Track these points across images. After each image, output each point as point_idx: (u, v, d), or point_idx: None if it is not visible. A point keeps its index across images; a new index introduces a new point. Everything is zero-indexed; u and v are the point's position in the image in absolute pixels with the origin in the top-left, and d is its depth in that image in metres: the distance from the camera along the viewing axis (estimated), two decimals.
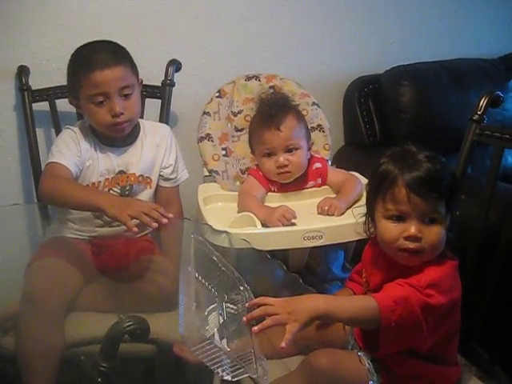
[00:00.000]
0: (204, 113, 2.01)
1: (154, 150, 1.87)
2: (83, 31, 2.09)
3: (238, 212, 1.67)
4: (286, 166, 1.73)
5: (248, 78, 2.06)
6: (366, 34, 2.76)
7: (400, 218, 1.26)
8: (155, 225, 1.47)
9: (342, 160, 2.54)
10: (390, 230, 1.26)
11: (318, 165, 1.84)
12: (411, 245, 1.24)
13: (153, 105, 2.14)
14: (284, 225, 1.54)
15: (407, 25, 2.85)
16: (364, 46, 2.76)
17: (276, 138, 1.72)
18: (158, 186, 1.90)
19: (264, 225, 1.56)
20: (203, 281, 1.26)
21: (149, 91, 2.12)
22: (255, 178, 1.80)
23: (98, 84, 1.66)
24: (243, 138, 1.99)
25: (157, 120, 2.10)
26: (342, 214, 1.64)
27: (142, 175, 1.84)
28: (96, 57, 1.69)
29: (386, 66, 2.67)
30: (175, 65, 2.14)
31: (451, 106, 2.58)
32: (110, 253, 1.78)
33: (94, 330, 1.48)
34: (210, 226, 1.51)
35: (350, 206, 1.68)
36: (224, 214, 1.66)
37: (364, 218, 1.38)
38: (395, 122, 2.60)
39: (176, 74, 2.16)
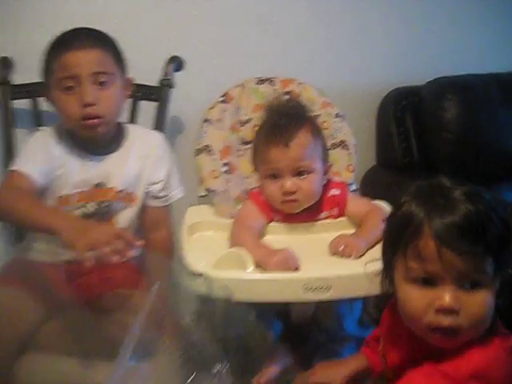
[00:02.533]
0: (205, 120, 1.69)
1: (142, 162, 1.60)
2: (76, 23, 1.78)
3: (230, 246, 1.33)
4: (293, 192, 1.39)
5: (260, 81, 1.74)
6: (407, 39, 2.44)
7: (428, 281, 0.92)
8: (116, 259, 1.16)
9: (373, 182, 2.32)
10: (414, 298, 0.92)
11: (335, 191, 1.49)
12: (445, 320, 0.89)
13: (148, 108, 1.82)
14: (282, 271, 1.19)
15: (455, 32, 2.52)
16: (403, 53, 2.44)
17: (283, 156, 1.38)
18: (144, 204, 1.62)
19: (258, 267, 1.21)
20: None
21: (144, 92, 1.82)
22: (255, 204, 1.46)
23: (69, 65, 1.43)
24: (250, 152, 1.65)
25: (151, 127, 1.79)
26: (361, 256, 1.28)
27: (124, 190, 1.57)
28: (72, 38, 1.47)
29: (428, 78, 2.36)
30: (176, 63, 1.83)
31: (503, 126, 2.28)
32: (83, 281, 1.51)
33: (48, 376, 1.33)
34: (186, 266, 1.17)
35: (373, 246, 1.33)
36: (211, 248, 1.33)
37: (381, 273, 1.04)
38: (437, 141, 2.27)
39: (177, 74, 1.85)
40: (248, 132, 1.70)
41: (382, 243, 1.07)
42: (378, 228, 1.37)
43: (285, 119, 1.40)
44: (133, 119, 1.82)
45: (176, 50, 1.89)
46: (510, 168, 2.22)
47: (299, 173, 1.39)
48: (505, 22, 2.57)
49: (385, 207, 1.47)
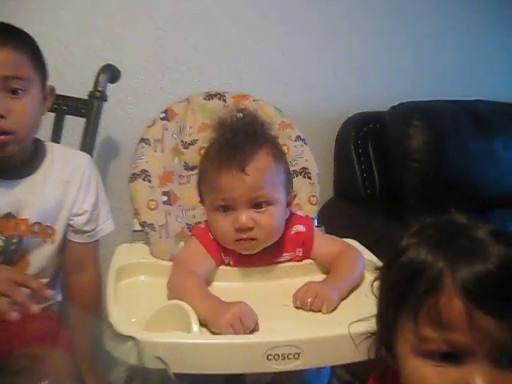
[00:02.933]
0: (142, 140, 1.41)
1: (63, 188, 1.33)
2: None
3: (169, 298, 1.04)
4: (249, 229, 1.12)
5: (208, 96, 1.49)
6: (370, 62, 2.31)
7: (451, 356, 0.65)
8: (14, 316, 0.94)
9: (330, 217, 2.05)
10: (431, 380, 0.65)
11: (299, 228, 1.23)
12: None
13: (76, 126, 1.54)
14: (237, 333, 0.91)
15: (421, 57, 2.41)
16: (365, 77, 2.31)
17: (238, 183, 1.11)
18: (66, 240, 1.36)
19: (204, 327, 0.93)
20: None
21: (70, 106, 1.52)
22: (201, 243, 1.18)
23: None
24: (196, 179, 1.38)
25: (78, 147, 1.50)
26: (333, 310, 1.02)
27: (39, 223, 1.30)
28: None
29: (391, 103, 2.18)
30: (109, 72, 1.55)
31: (473, 155, 2.13)
32: None
33: None
34: (109, 325, 0.88)
35: (346, 297, 1.07)
36: (144, 299, 1.04)
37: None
38: (401, 171, 2.11)
39: (111, 87, 1.56)
40: (193, 155, 1.43)
41: (378, 299, 0.81)
42: (352, 273, 1.13)
43: (240, 137, 1.13)
44: (56, 138, 1.53)
45: (110, 59, 1.62)
46: (481, 201, 2.04)
47: (257, 204, 1.12)
48: (470, 49, 2.47)
49: (356, 245, 1.22)
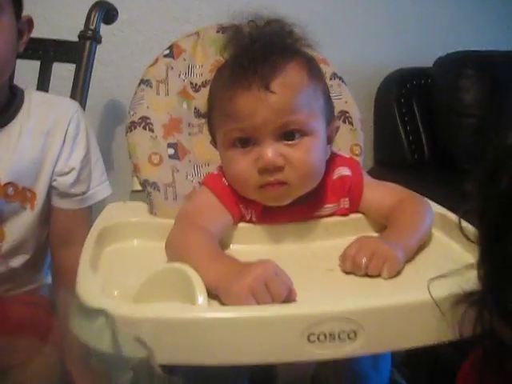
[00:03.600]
0: (141, 82, 1.15)
1: (42, 141, 1.09)
2: None
3: (168, 261, 0.76)
4: (278, 168, 0.82)
5: (223, 29, 1.21)
6: (409, 14, 2.03)
7: None
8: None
9: None
10: None
11: (344, 171, 0.92)
12: None
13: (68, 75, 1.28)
14: (262, 304, 0.62)
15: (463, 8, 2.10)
16: (405, 30, 2.03)
17: (261, 105, 0.81)
18: (51, 206, 1.12)
19: (214, 299, 0.65)
20: None
21: (58, 51, 1.27)
22: (214, 193, 0.89)
23: None
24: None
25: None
26: (397, 274, 0.73)
27: (14, 184, 1.06)
28: None
29: (434, 58, 1.87)
30: (103, 10, 1.28)
31: None
32: None
33: None
34: (78, 298, 0.61)
35: (411, 258, 0.78)
36: (134, 269, 0.75)
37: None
38: (454, 129, 1.81)
39: (107, 28, 1.30)
40: (205, 99, 1.15)
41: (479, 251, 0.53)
42: (419, 225, 0.84)
43: (262, 44, 0.83)
44: (42, 88, 1.27)
45: None
46: None
47: (287, 134, 0.82)
48: None
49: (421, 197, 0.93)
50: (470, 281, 0.57)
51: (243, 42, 0.85)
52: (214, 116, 0.91)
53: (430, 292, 0.60)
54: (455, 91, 1.78)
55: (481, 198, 0.54)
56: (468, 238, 0.64)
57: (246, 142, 0.83)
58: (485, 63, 1.80)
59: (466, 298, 0.56)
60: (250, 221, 0.89)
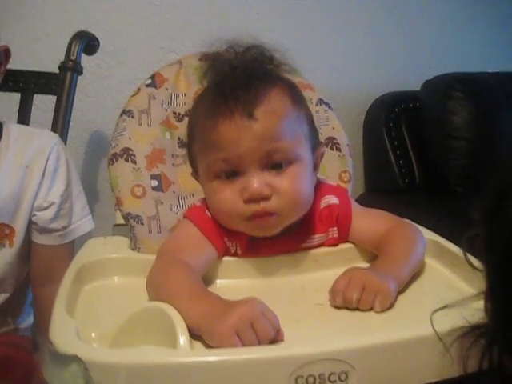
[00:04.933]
0: (123, 112, 1.12)
1: (21, 175, 1.06)
2: None
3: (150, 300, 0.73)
4: (265, 198, 0.78)
5: (205, 57, 1.18)
6: (396, 38, 2.04)
7: None
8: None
9: None
10: None
11: (331, 199, 0.89)
12: None
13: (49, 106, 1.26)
14: (248, 345, 0.59)
15: (449, 29, 2.12)
16: (393, 55, 2.03)
17: (244, 134, 0.78)
18: (31, 242, 1.09)
19: (197, 339, 0.61)
20: None
21: (39, 82, 1.24)
22: (197, 226, 0.85)
23: None
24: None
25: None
26: (390, 307, 0.69)
27: None
28: None
29: (421, 81, 1.86)
30: (85, 40, 1.26)
31: None
32: None
33: None
34: (50, 343, 0.57)
35: (403, 289, 0.75)
36: (114, 308, 0.71)
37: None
38: (444, 152, 1.79)
39: (91, 58, 1.29)
40: None
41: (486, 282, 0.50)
42: (411, 254, 0.81)
43: (243, 71, 0.81)
44: (23, 122, 1.24)
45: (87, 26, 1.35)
46: None
47: (273, 163, 0.79)
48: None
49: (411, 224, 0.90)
50: (475, 312, 0.54)
51: (223, 69, 0.82)
52: (195, 146, 0.87)
53: (433, 326, 0.56)
54: (444, 114, 1.76)
55: (487, 227, 0.51)
56: (473, 267, 0.61)
57: (230, 172, 0.80)
58: (472, 85, 1.80)
59: (471, 332, 0.53)
60: (234, 254, 0.85)
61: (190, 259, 0.78)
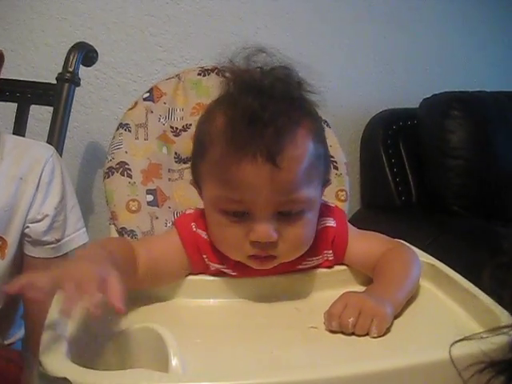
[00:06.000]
0: (120, 125, 1.11)
1: (14, 187, 1.03)
2: None
3: None
4: (272, 243, 0.75)
5: (204, 72, 1.19)
6: (396, 55, 2.03)
7: None
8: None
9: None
10: None
11: (328, 221, 0.87)
12: None
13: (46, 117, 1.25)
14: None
15: (447, 48, 2.11)
16: (391, 71, 2.03)
17: (265, 182, 0.72)
18: (24, 254, 1.06)
19: (190, 361, 0.59)
20: None
21: (36, 93, 1.23)
22: (180, 236, 0.82)
23: None
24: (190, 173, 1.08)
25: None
26: (385, 332, 0.68)
27: None
28: None
29: (420, 99, 1.85)
30: (83, 52, 1.25)
31: None
32: None
33: None
34: (39, 364, 0.56)
35: (401, 311, 0.74)
36: (107, 325, 0.70)
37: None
38: (441, 171, 1.78)
39: (89, 70, 1.28)
40: (186, 144, 1.13)
41: None
42: (407, 278, 0.79)
43: (270, 106, 0.72)
44: (20, 133, 1.24)
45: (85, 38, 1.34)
46: None
47: (285, 213, 0.75)
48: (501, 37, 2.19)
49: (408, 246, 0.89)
50: (495, 347, 0.53)
51: (245, 99, 0.73)
52: (203, 165, 0.79)
53: (451, 358, 0.54)
54: (442, 132, 1.76)
55: None
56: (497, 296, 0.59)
57: (239, 215, 0.75)
58: (471, 104, 1.79)
59: (491, 367, 0.51)
60: (221, 272, 0.83)
61: (158, 255, 0.78)
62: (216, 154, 0.75)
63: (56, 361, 0.56)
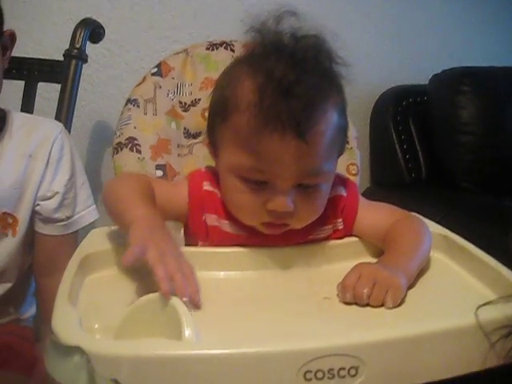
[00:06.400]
0: (128, 101, 1.11)
1: (24, 164, 1.03)
2: None
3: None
4: (288, 213, 0.75)
5: (212, 46, 1.18)
6: (404, 32, 2.00)
7: None
8: None
9: None
10: None
11: (339, 190, 0.86)
12: None
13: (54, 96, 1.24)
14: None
15: (458, 25, 2.08)
16: (402, 47, 2.01)
17: (291, 155, 0.72)
18: (34, 232, 1.06)
19: (203, 331, 0.59)
20: None
21: (43, 70, 1.22)
22: (190, 195, 0.82)
23: None
24: (199, 148, 1.07)
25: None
26: (401, 303, 0.68)
27: None
28: None
29: (430, 75, 1.83)
30: (90, 28, 1.24)
31: None
32: None
33: None
34: (52, 334, 0.56)
35: (414, 281, 0.73)
36: (118, 300, 0.70)
37: None
38: (451, 147, 1.77)
39: (95, 47, 1.27)
40: (195, 119, 1.13)
41: None
42: (419, 248, 0.79)
43: (305, 79, 0.70)
44: (27, 111, 1.23)
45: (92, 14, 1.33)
46: None
47: (305, 184, 0.75)
48: None
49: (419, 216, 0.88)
50: None
51: (275, 66, 0.71)
52: (225, 130, 0.77)
53: (479, 321, 0.54)
54: (452, 108, 1.74)
55: None
56: None
57: (259, 184, 0.75)
58: (481, 79, 1.77)
59: None
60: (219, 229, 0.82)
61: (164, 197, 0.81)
62: (242, 121, 0.73)
63: (69, 330, 0.56)
